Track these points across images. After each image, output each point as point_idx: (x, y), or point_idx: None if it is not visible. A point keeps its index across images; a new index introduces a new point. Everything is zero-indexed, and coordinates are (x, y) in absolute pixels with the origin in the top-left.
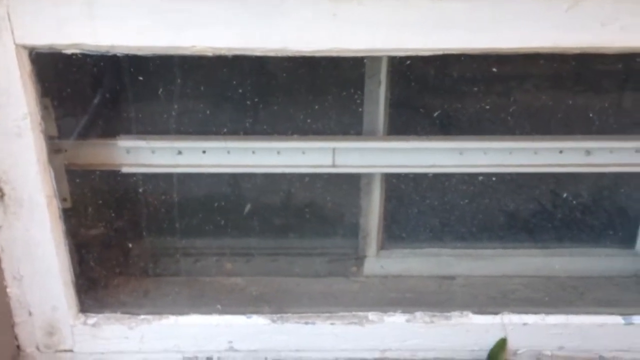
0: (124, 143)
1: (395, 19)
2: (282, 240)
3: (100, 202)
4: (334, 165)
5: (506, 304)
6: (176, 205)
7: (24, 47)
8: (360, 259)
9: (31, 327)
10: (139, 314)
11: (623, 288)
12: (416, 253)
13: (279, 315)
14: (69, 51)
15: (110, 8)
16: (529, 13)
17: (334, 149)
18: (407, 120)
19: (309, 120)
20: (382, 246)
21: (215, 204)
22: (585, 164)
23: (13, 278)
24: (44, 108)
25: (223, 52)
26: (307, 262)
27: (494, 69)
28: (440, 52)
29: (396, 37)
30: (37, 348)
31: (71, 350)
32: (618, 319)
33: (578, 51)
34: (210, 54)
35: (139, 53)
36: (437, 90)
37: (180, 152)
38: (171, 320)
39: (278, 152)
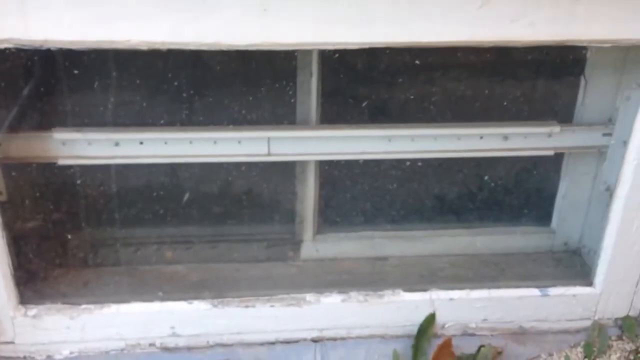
0: (60, 135)
1: (322, 14)
2: (221, 227)
3: (38, 194)
4: (269, 154)
5: (435, 282)
6: (115, 196)
7: None
8: (297, 244)
9: None
10: (79, 304)
11: (540, 263)
12: (350, 236)
13: (219, 299)
14: (0, 46)
15: (42, 3)
16: (445, 10)
17: (268, 138)
18: (338, 110)
19: (244, 111)
20: (318, 231)
21: (154, 194)
22: (503, 149)
23: None
24: None
25: (157, 47)
26: (245, 248)
27: (419, 61)
28: (366, 46)
29: (323, 32)
30: None
31: (12, 342)
32: (535, 292)
33: (492, 44)
34: (144, 48)
35: (73, 47)
36: (367, 80)
37: (117, 144)
38: (112, 309)
39: (215, 142)
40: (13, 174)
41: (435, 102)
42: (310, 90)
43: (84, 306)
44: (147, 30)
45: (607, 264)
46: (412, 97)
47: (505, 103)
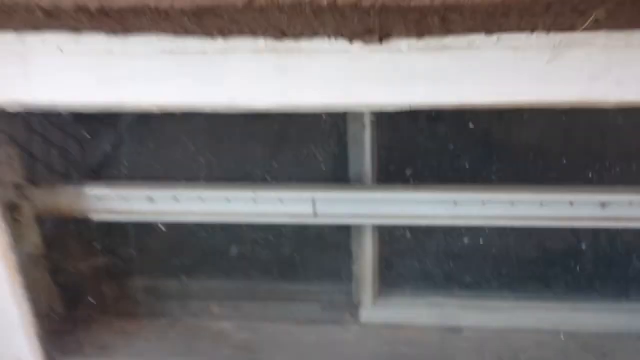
0: (93, 191)
1: (350, 72)
2: (272, 284)
3: (76, 245)
4: (315, 215)
5: None
6: (159, 246)
7: None
8: (355, 307)
9: None
10: None
11: None
12: (417, 302)
13: None
14: (7, 108)
15: (47, 68)
16: (502, 66)
17: (313, 199)
18: (397, 167)
19: (288, 166)
20: (380, 293)
21: (201, 244)
22: (600, 218)
23: None
24: (8, 157)
25: (170, 110)
26: (298, 308)
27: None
28: (405, 109)
29: (353, 92)
30: None
31: None
32: None
33: (568, 106)
34: (156, 111)
35: (84, 111)
36: (430, 133)
37: (152, 200)
38: None
39: (254, 201)
40: (49, 226)
41: (514, 160)
42: (363, 144)
43: None
44: (157, 93)
45: None
46: (484, 152)
47: (602, 163)
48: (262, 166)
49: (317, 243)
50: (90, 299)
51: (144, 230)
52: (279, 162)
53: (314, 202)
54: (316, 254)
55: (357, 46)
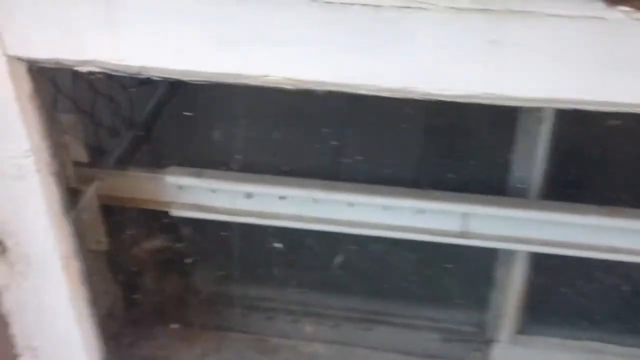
0: (174, 178)
1: (601, 52)
2: (383, 305)
3: (145, 243)
4: (462, 234)
5: None
6: (245, 248)
7: (19, 59)
8: (486, 343)
9: None
10: None
11: None
12: (567, 344)
13: None
14: (83, 69)
15: (136, 14)
16: None
17: (463, 214)
18: (573, 180)
19: (431, 169)
20: (521, 330)
21: (298, 251)
22: None
23: (26, 347)
24: (73, 126)
25: (309, 87)
26: (411, 337)
27: None
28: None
29: (598, 82)
30: None
31: None
32: None
33: None
34: (289, 87)
35: (183, 79)
36: (625, 137)
37: (249, 196)
38: None
39: (384, 209)
40: (117, 218)
41: None
42: (535, 145)
43: None
44: (298, 64)
45: None
46: None
47: None
48: (396, 165)
49: (445, 260)
50: (154, 301)
51: (225, 226)
52: (417, 161)
53: (464, 218)
54: (443, 273)
55: (620, 11)
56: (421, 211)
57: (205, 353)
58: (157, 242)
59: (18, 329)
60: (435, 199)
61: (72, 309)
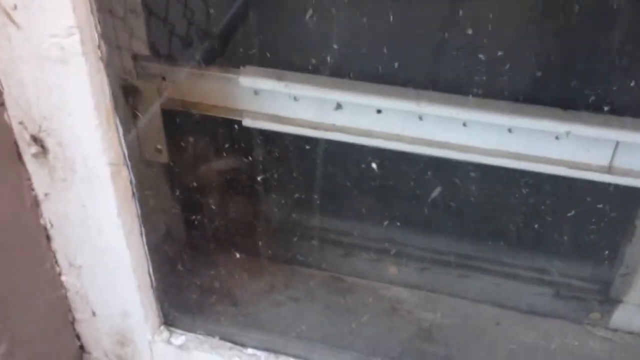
0: (249, 80)
1: None
2: (481, 248)
3: (212, 160)
4: (608, 169)
5: None
6: (327, 173)
7: None
8: (609, 303)
9: (95, 330)
10: (246, 345)
11: None
12: None
13: None
14: None
15: None
16: None
17: (613, 143)
18: None
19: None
20: None
21: (389, 179)
22: None
23: (69, 265)
24: (129, 12)
25: None
26: (516, 289)
27: None
28: None
29: None
30: (106, 355)
31: None
32: None
33: None
34: None
35: None
36: None
37: (338, 107)
38: None
39: (510, 132)
40: (181, 126)
41: None
42: None
43: (250, 351)
44: None
45: None
46: None
47: None
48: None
49: (566, 201)
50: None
51: (306, 143)
52: (555, 75)
53: (612, 148)
54: (562, 216)
55: None
56: (559, 137)
57: (271, 288)
58: (225, 158)
59: (59, 245)
60: (581, 121)
61: (121, 226)
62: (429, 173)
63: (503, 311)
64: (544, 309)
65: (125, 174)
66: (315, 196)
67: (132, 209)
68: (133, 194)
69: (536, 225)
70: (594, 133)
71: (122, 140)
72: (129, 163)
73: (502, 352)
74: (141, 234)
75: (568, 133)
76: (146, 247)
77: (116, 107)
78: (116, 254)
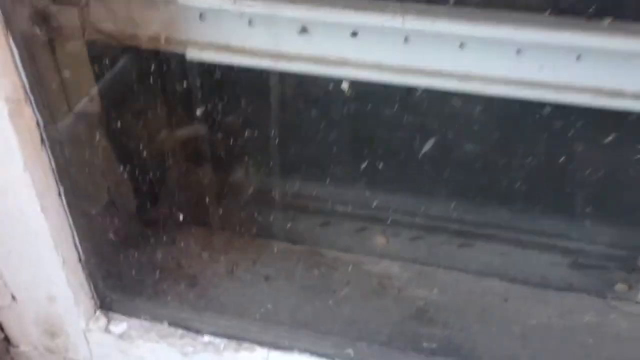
0: (194, 1)
1: None
2: (486, 211)
3: (152, 107)
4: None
5: None
6: (298, 123)
7: None
8: (638, 272)
9: (19, 318)
10: (201, 332)
11: None
12: None
13: None
14: None
15: None
16: None
17: None
18: None
19: None
20: None
21: (368, 125)
22: None
23: None
24: None
25: None
26: (527, 259)
27: None
28: None
29: None
30: (36, 348)
31: None
32: None
33: None
34: None
35: None
36: None
37: (304, 30)
38: (257, 356)
39: (518, 52)
40: (113, 67)
41: None
42: None
43: (206, 338)
44: None
45: None
46: None
47: None
48: None
49: (591, 151)
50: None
51: (267, 82)
52: None
53: None
54: (586, 169)
55: None
56: (580, 56)
57: (236, 265)
58: (175, 105)
59: None
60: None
61: (31, 184)
62: (421, 115)
63: (512, 285)
64: (560, 281)
65: (30, 114)
66: (285, 152)
67: (44, 161)
68: (43, 141)
69: (551, 181)
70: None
71: (21, 68)
72: (32, 98)
73: (511, 333)
74: (59, 194)
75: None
76: (68, 211)
77: (9, 24)
78: (30, 221)
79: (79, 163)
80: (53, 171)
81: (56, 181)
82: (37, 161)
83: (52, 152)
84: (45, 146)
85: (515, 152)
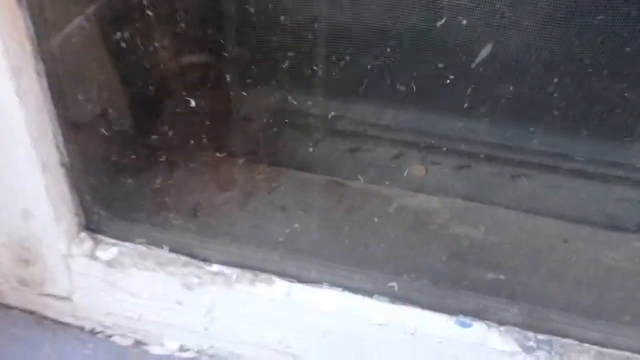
0: None
1: None
2: (542, 136)
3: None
4: None
5: None
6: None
7: None
8: None
9: None
10: (208, 260)
11: None
12: None
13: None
14: None
15: None
16: None
17: None
18: None
19: None
20: None
21: (403, 33)
22: None
23: None
24: None
25: None
26: (590, 192)
27: None
28: None
29: None
30: (7, 280)
31: (69, 299)
32: None
33: None
34: None
35: None
36: None
37: None
38: (277, 289)
39: None
40: None
41: None
42: None
43: (215, 267)
44: None
45: None
46: None
47: None
48: None
49: None
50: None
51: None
52: None
53: None
54: None
55: None
56: None
57: (249, 194)
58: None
59: None
60: None
61: (6, 66)
62: (466, 17)
63: (572, 225)
64: (629, 221)
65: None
66: (305, 66)
67: (18, 24)
68: (29, 35)
69: (619, 101)
70: None
71: None
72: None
73: (571, 278)
74: (39, 74)
75: None
76: (51, 100)
77: None
78: (4, 113)
79: (67, 47)
80: (32, 41)
81: (35, 56)
82: (10, 20)
83: (31, 16)
84: (21, 4)
85: (577, 67)
